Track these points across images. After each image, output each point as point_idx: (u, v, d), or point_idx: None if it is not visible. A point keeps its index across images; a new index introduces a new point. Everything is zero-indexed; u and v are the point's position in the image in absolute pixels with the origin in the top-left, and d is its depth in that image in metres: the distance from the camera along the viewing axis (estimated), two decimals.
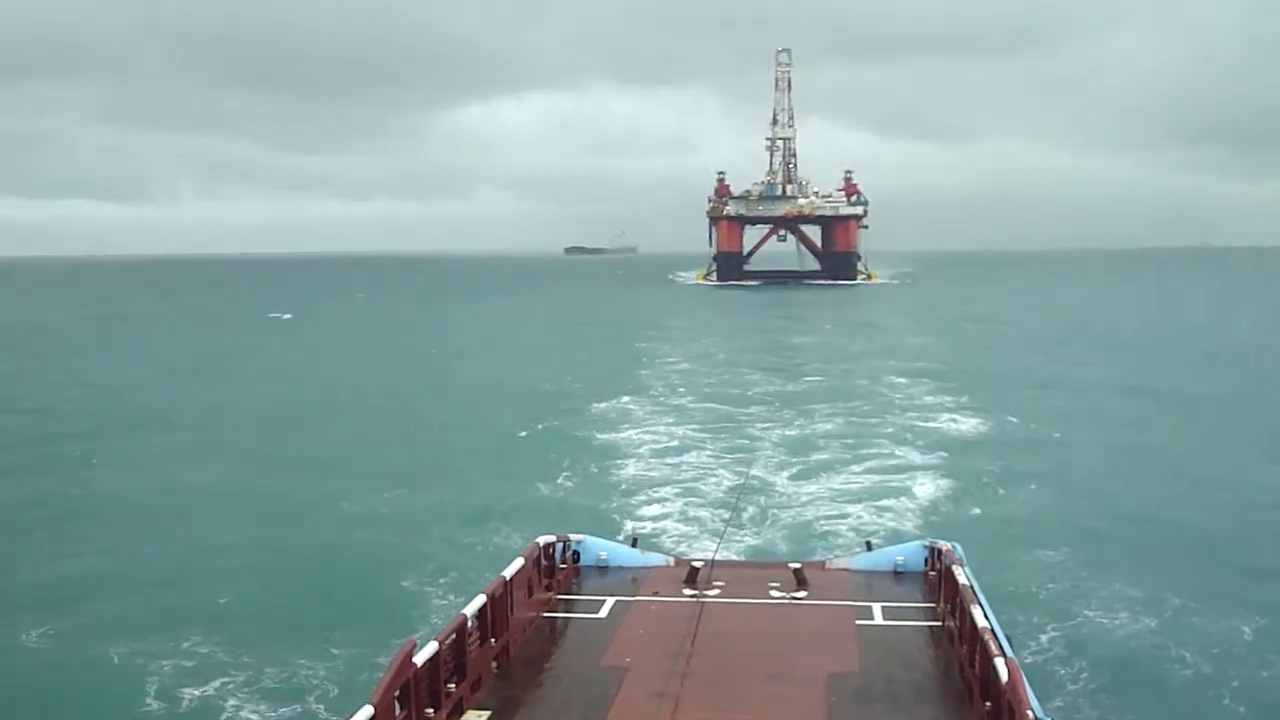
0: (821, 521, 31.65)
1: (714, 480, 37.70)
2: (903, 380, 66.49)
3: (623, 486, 37.32)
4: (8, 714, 20.83)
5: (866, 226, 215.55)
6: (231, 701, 20.45)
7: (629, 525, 30.63)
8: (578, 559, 19.91)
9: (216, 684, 21.14)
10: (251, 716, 19.94)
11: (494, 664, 14.95)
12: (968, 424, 50.83)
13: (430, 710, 12.52)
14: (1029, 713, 10.78)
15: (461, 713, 13.44)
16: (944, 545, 18.19)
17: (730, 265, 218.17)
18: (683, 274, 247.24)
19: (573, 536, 20.23)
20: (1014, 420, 51.43)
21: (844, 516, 32.24)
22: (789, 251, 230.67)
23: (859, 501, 33.98)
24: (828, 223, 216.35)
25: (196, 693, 20.87)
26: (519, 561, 16.72)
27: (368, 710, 10.81)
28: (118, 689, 21.29)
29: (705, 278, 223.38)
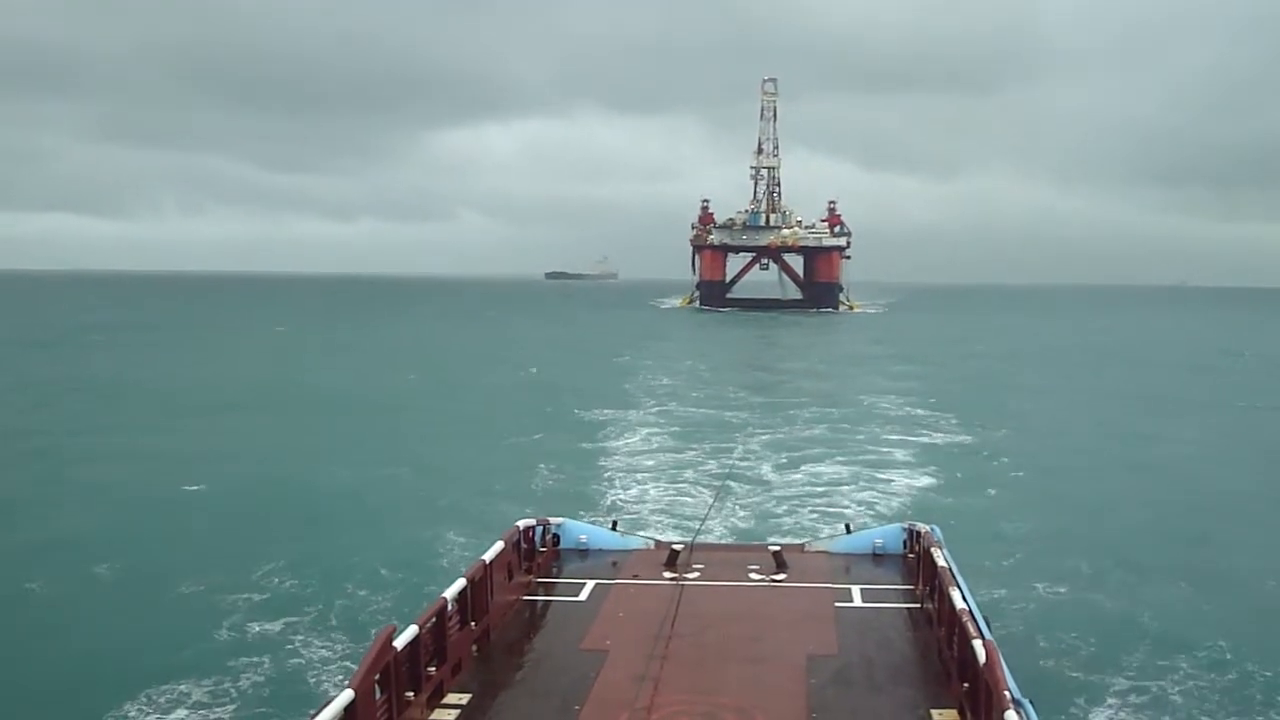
0: (800, 506, 31.90)
1: (695, 467, 38.16)
2: (879, 391, 69.63)
3: (605, 473, 37.97)
4: (88, 642, 23.08)
5: (849, 257, 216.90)
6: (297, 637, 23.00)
7: (609, 508, 30.73)
8: (557, 542, 19.88)
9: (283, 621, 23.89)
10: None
11: (474, 647, 14.85)
12: (941, 426, 53.35)
13: (411, 694, 12.43)
14: (1006, 694, 10.75)
15: (442, 696, 13.35)
16: (923, 528, 18.20)
17: (713, 293, 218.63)
18: (666, 300, 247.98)
19: (552, 520, 20.20)
20: (987, 427, 53.80)
21: (823, 501, 32.52)
22: (771, 281, 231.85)
23: (837, 488, 34.51)
24: (810, 253, 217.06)
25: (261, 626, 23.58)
26: (499, 545, 16.62)
27: (348, 695, 10.71)
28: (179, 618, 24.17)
29: (688, 304, 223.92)
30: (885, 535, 20.09)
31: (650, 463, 40.08)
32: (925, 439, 47.77)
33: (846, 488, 34.54)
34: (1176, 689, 20.01)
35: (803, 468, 38.76)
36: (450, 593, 14.28)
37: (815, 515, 30.90)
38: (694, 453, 42.93)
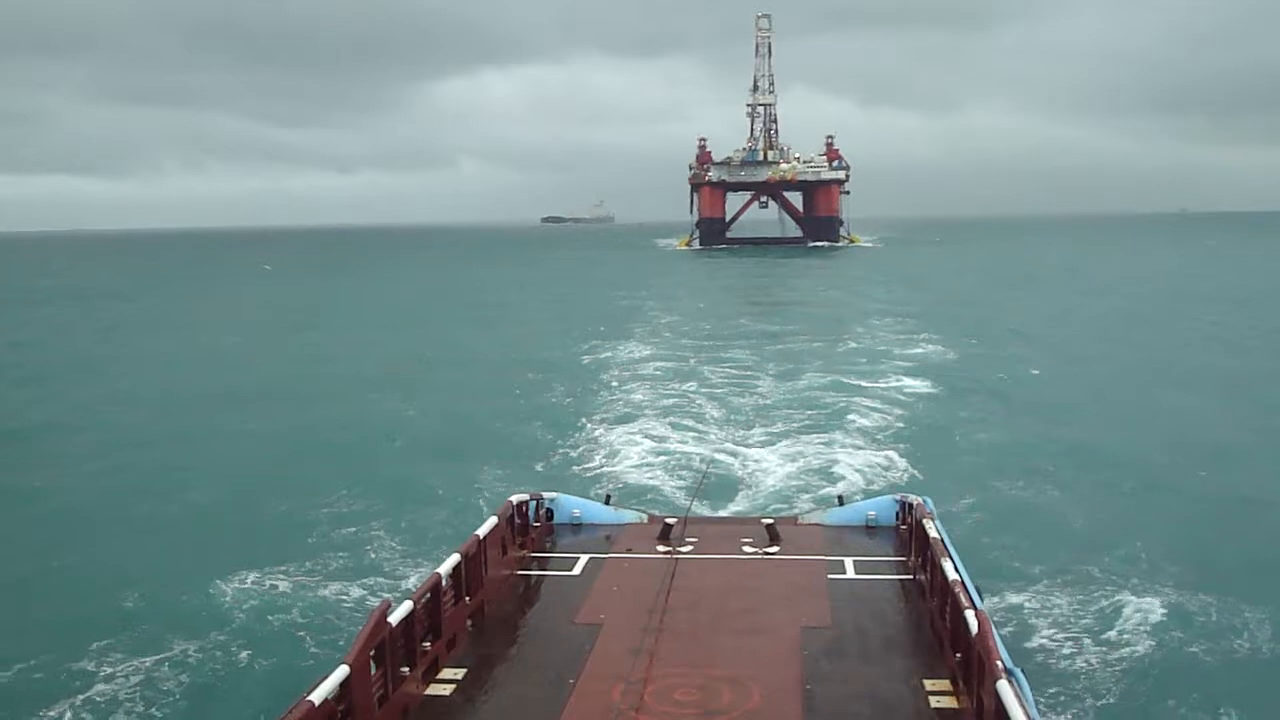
0: (794, 477, 31.85)
1: (689, 438, 37.93)
2: (882, 330, 69.95)
3: (598, 444, 37.57)
4: (198, 548, 26.44)
5: (848, 192, 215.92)
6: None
7: (603, 482, 30.75)
8: (551, 516, 19.80)
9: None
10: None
11: (469, 622, 14.90)
12: (939, 364, 54.53)
13: (406, 669, 12.47)
14: (999, 663, 10.75)
15: (437, 670, 13.41)
16: (915, 499, 18.17)
17: (713, 231, 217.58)
18: (664, 241, 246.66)
19: (546, 494, 20.15)
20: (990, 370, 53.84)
21: (817, 472, 32.42)
22: (771, 219, 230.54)
23: (832, 459, 34.18)
24: (810, 188, 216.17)
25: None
26: (492, 520, 16.62)
27: (344, 670, 10.74)
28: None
29: (688, 244, 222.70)
30: (878, 507, 20.06)
31: (638, 432, 39.62)
32: (928, 396, 47.36)
33: (838, 459, 34.14)
34: (1155, 647, 19.95)
35: (798, 435, 38.03)
36: (445, 568, 14.29)
37: (809, 485, 30.65)
38: (686, 415, 42.66)
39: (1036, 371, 52.02)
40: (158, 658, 20.13)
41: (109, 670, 19.70)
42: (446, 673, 13.45)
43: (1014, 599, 21.86)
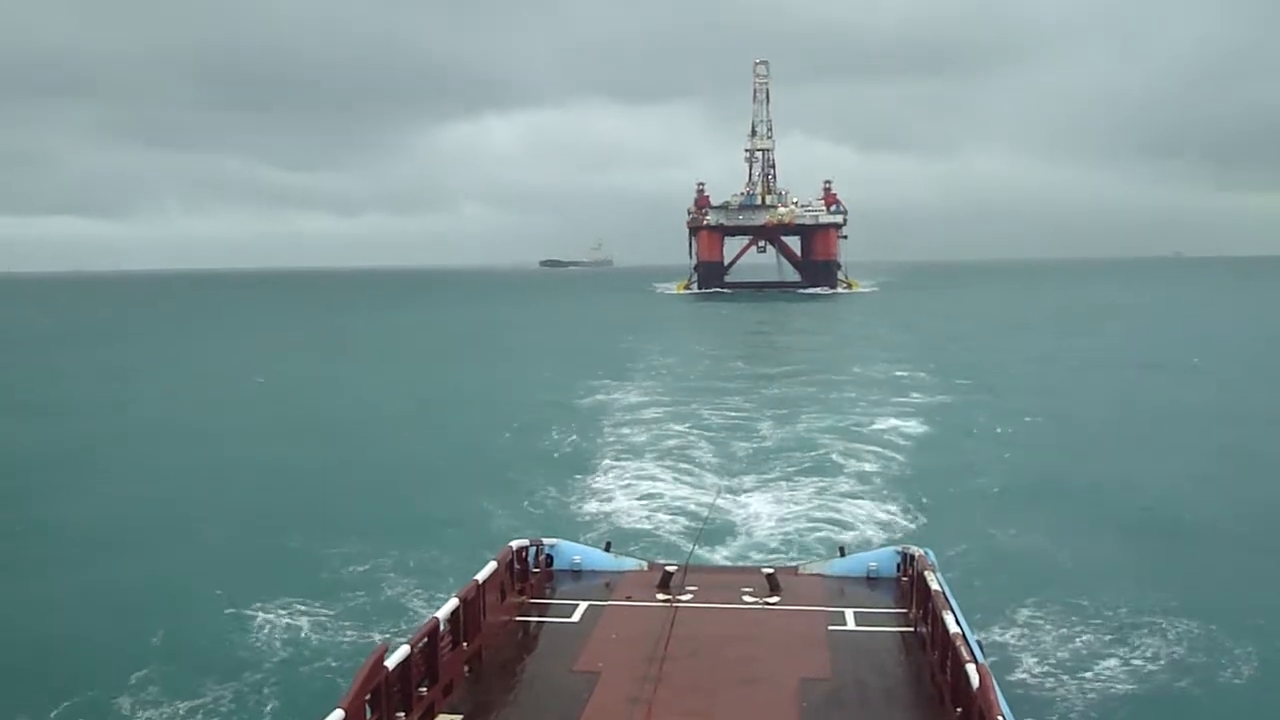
0: (795, 526, 31.75)
1: (689, 483, 37.89)
2: (879, 375, 70.06)
3: (597, 488, 37.60)
4: (229, 583, 26.70)
5: (845, 236, 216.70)
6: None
7: (603, 528, 30.68)
8: (550, 563, 19.71)
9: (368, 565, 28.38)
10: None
11: (466, 668, 14.82)
12: (936, 409, 54.58)
13: (401, 714, 12.40)
14: (1000, 718, 10.74)
15: (433, 716, 13.31)
16: (917, 551, 18.06)
17: (711, 275, 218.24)
18: (662, 285, 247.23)
19: (546, 540, 20.08)
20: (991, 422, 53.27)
21: (816, 520, 32.33)
22: (769, 264, 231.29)
23: (832, 506, 34.10)
24: (807, 232, 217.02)
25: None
26: (491, 565, 16.58)
27: (339, 715, 10.67)
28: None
29: (686, 288, 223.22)
30: (879, 558, 19.90)
31: (637, 478, 39.47)
32: (928, 446, 47.06)
33: (839, 509, 33.95)
34: (1160, 701, 19.76)
35: (798, 483, 37.70)
36: (443, 613, 14.24)
37: (810, 535, 30.63)
38: (686, 462, 42.48)
39: (1031, 419, 52.19)
40: (150, 691, 20.12)
41: (106, 701, 19.78)
42: (442, 718, 13.36)
43: (1016, 652, 21.68)
